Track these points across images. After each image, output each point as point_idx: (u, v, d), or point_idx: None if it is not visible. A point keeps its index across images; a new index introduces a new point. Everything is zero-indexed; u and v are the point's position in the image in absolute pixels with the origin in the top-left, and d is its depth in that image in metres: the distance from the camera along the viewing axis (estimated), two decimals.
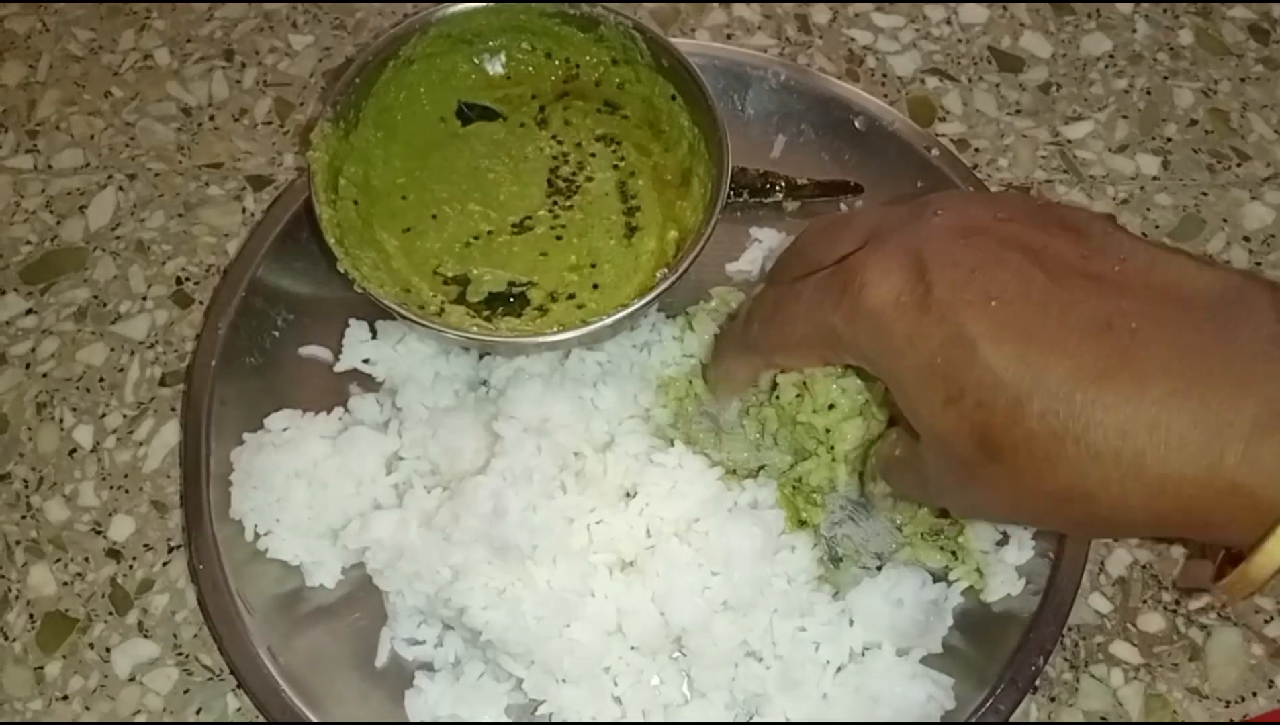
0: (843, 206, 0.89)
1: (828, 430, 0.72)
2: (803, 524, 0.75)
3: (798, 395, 0.71)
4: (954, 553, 0.76)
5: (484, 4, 0.83)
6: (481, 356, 0.82)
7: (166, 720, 0.75)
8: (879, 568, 0.75)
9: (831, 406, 0.71)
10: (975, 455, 0.54)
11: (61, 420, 0.85)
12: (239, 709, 0.75)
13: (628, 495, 0.73)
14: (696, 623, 0.69)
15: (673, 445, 0.75)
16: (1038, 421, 0.51)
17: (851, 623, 0.72)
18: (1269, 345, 0.49)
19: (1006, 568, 0.75)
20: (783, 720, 0.70)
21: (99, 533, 0.81)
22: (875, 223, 0.61)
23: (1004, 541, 0.76)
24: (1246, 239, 0.93)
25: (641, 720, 0.71)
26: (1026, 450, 0.52)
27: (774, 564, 0.71)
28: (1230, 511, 0.49)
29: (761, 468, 0.78)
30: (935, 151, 0.89)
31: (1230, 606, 0.77)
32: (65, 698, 0.76)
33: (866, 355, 0.59)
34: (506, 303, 0.79)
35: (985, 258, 0.54)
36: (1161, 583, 0.80)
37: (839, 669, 0.71)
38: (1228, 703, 0.76)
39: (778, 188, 0.88)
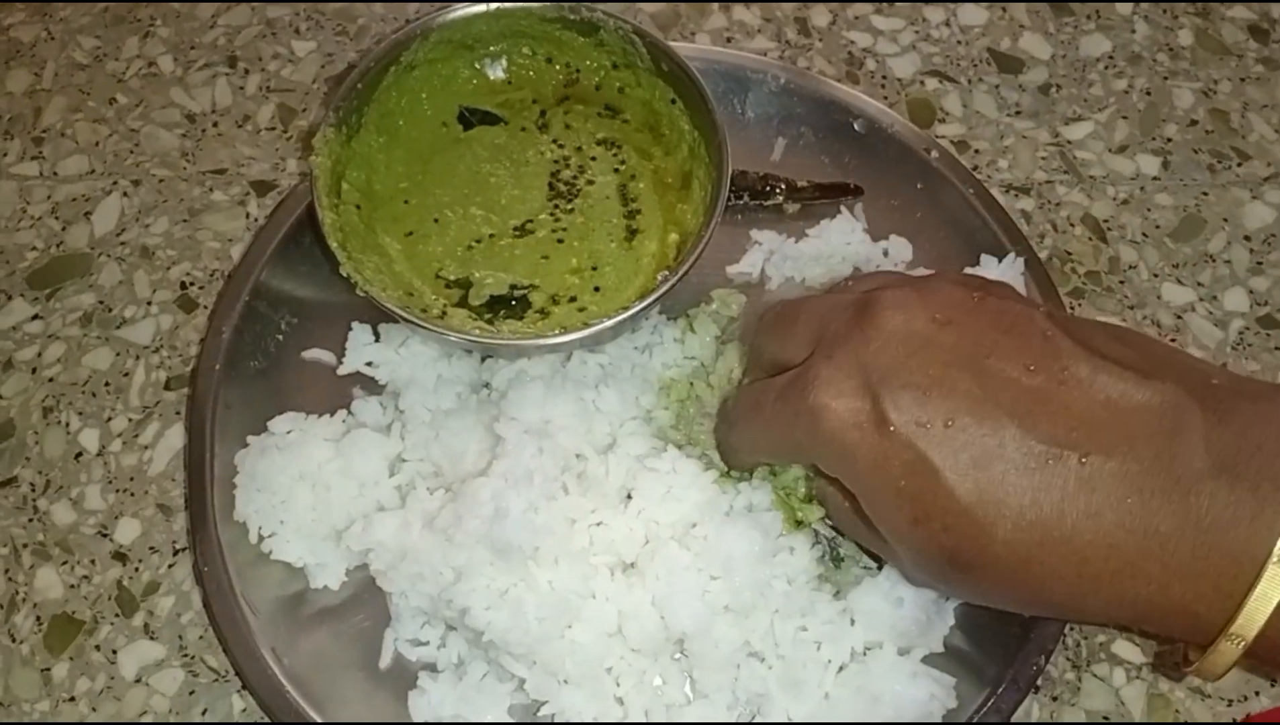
0: (843, 209, 0.89)
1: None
2: (799, 524, 0.76)
3: None
4: None
5: (485, 9, 0.84)
6: (483, 359, 0.82)
7: (172, 721, 0.76)
8: (880, 567, 0.75)
9: None
10: (946, 568, 0.59)
11: (67, 424, 0.85)
12: (244, 710, 0.76)
13: (628, 498, 0.74)
14: (697, 626, 0.69)
15: (666, 449, 0.75)
16: (1002, 547, 0.56)
17: (853, 622, 0.72)
18: (1201, 472, 0.53)
19: None
20: (785, 720, 0.70)
21: (105, 535, 0.82)
22: (819, 323, 0.64)
23: None
24: (1247, 238, 0.93)
25: (644, 721, 0.71)
26: (994, 569, 0.57)
27: (773, 566, 0.71)
28: (1181, 624, 0.55)
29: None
30: (935, 153, 0.90)
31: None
32: (72, 699, 0.76)
33: (833, 470, 0.62)
34: (508, 306, 0.79)
35: (934, 378, 0.57)
36: None
37: (841, 668, 0.72)
38: (1230, 702, 0.76)
39: (778, 190, 0.89)
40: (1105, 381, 0.56)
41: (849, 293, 0.66)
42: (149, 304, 0.90)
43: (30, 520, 0.82)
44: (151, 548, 0.81)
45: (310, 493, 0.76)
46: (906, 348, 0.59)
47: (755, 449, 0.69)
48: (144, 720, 0.76)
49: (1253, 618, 0.52)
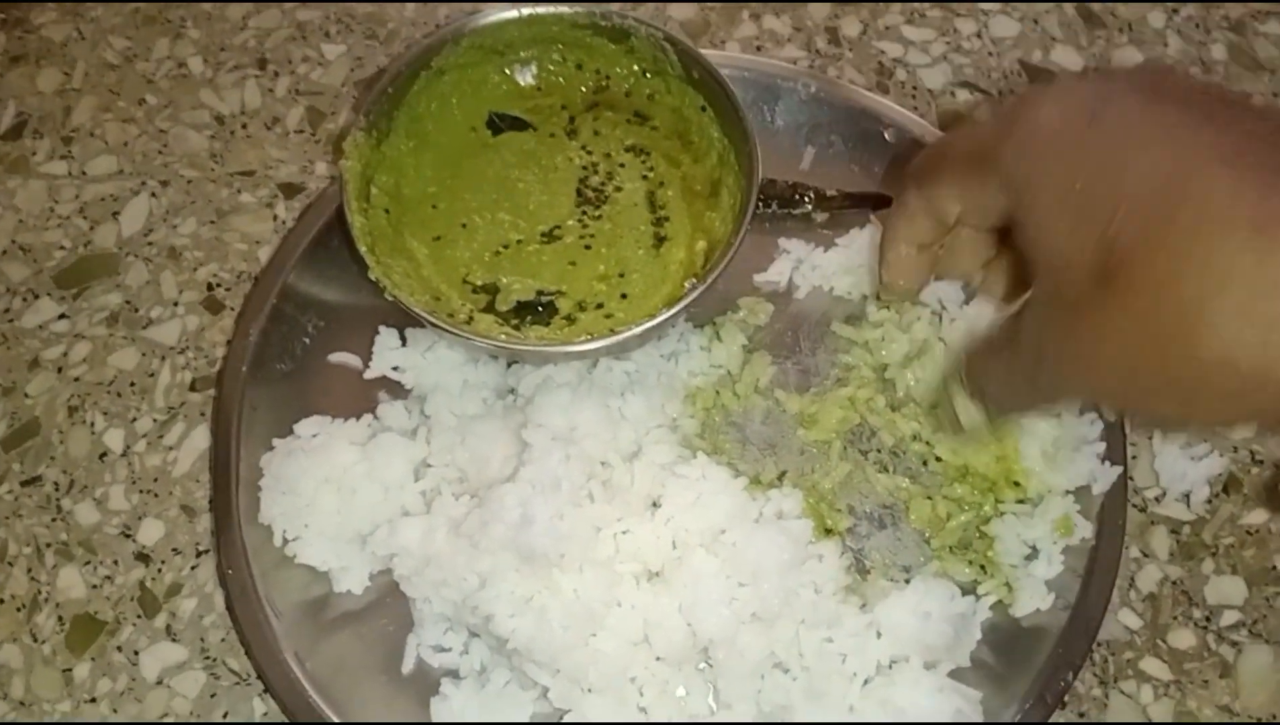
0: (872, 218, 0.89)
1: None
2: (828, 532, 0.75)
3: None
4: (982, 566, 0.75)
5: (516, 15, 0.83)
6: (510, 365, 0.82)
7: (193, 723, 0.75)
8: (907, 580, 0.75)
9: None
10: (1088, 287, 0.51)
11: (92, 424, 0.86)
12: (265, 713, 0.76)
13: (654, 505, 0.73)
14: (723, 634, 0.69)
15: (696, 456, 0.75)
16: (1167, 247, 0.48)
17: (879, 635, 0.72)
18: None
19: (1035, 582, 0.74)
20: None
21: (128, 536, 0.82)
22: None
23: (1033, 555, 0.75)
24: None
25: None
26: (1149, 277, 0.48)
27: (801, 574, 0.71)
28: None
29: (784, 473, 0.78)
30: None
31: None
32: (93, 700, 0.76)
33: (1013, 178, 0.56)
34: (535, 311, 0.79)
35: (1162, 95, 0.52)
36: (1192, 599, 0.79)
37: (866, 681, 0.71)
38: (1258, 721, 0.75)
39: (807, 199, 0.88)
40: None
41: None
42: (175, 305, 0.90)
43: (54, 520, 0.82)
44: (175, 549, 0.81)
45: (335, 496, 0.76)
46: (1151, 91, 0.53)
47: (933, 167, 0.64)
48: (165, 722, 0.76)
49: None
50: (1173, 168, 0.48)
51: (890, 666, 0.72)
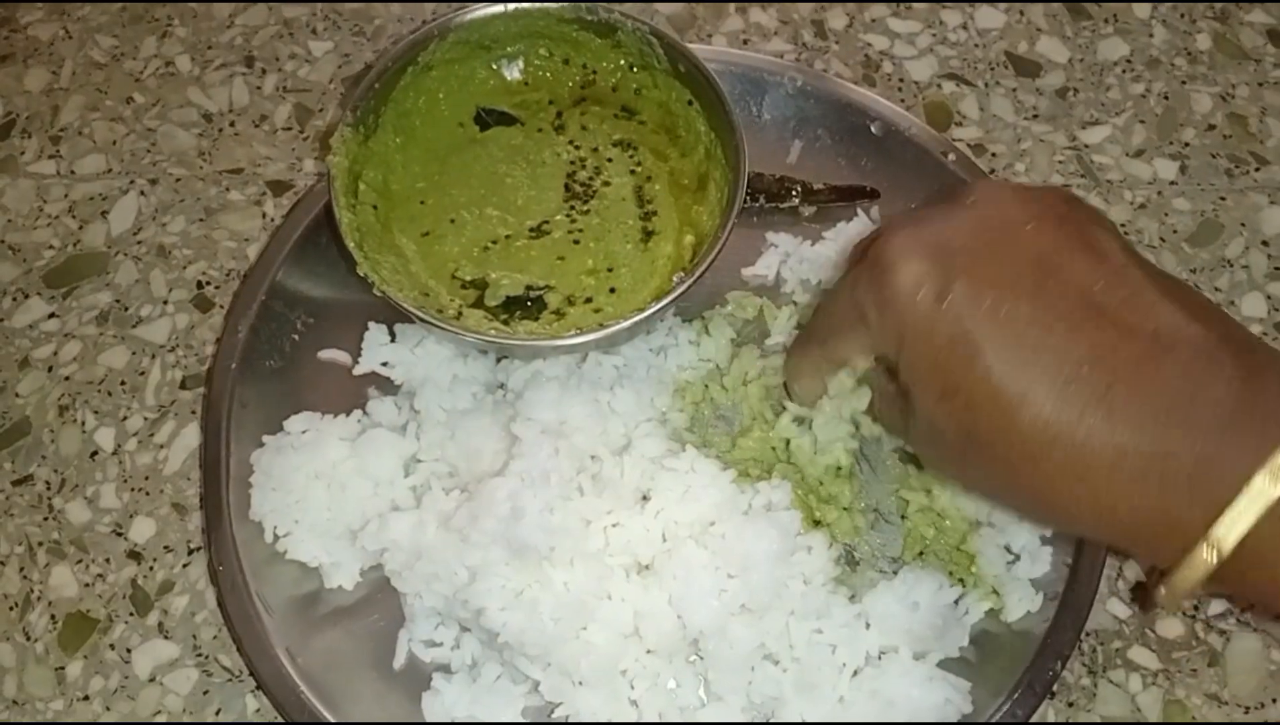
0: (859, 211, 0.89)
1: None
2: (818, 524, 0.75)
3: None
4: (961, 580, 0.75)
5: (502, 10, 0.84)
6: (499, 359, 0.82)
7: (186, 721, 0.76)
8: (895, 571, 0.75)
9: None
10: (961, 442, 0.60)
11: (83, 423, 0.86)
12: (258, 710, 0.76)
13: (644, 498, 0.73)
14: (713, 625, 0.69)
15: (685, 449, 0.75)
16: (1017, 435, 0.57)
17: (868, 625, 0.72)
18: (1219, 415, 0.54)
19: (1022, 584, 0.74)
20: (799, 722, 0.70)
21: (120, 534, 0.82)
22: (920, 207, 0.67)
23: (1015, 560, 0.75)
24: (1265, 243, 0.93)
25: (658, 723, 0.71)
26: (1004, 455, 0.59)
27: (791, 565, 0.71)
28: (1167, 539, 0.56)
29: (775, 465, 0.78)
30: (952, 156, 0.89)
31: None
32: (86, 698, 0.76)
33: (885, 336, 0.63)
34: (524, 306, 0.79)
35: (1006, 271, 0.59)
36: None
37: (855, 672, 0.71)
38: (1247, 709, 0.76)
39: (794, 193, 0.89)
40: (1160, 313, 0.57)
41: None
42: (165, 303, 0.90)
43: (45, 519, 0.82)
44: (166, 547, 0.81)
45: (325, 492, 0.76)
46: (987, 236, 0.61)
47: (828, 327, 0.70)
48: (158, 720, 0.76)
49: (1233, 526, 0.53)
50: (1017, 362, 0.57)
51: (880, 657, 0.72)
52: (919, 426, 0.64)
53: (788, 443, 0.77)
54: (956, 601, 0.74)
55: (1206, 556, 0.55)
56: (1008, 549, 0.76)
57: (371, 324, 0.83)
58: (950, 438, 0.61)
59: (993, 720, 0.70)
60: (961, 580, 0.75)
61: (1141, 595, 0.79)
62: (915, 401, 0.62)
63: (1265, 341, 0.73)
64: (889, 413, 0.70)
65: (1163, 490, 0.55)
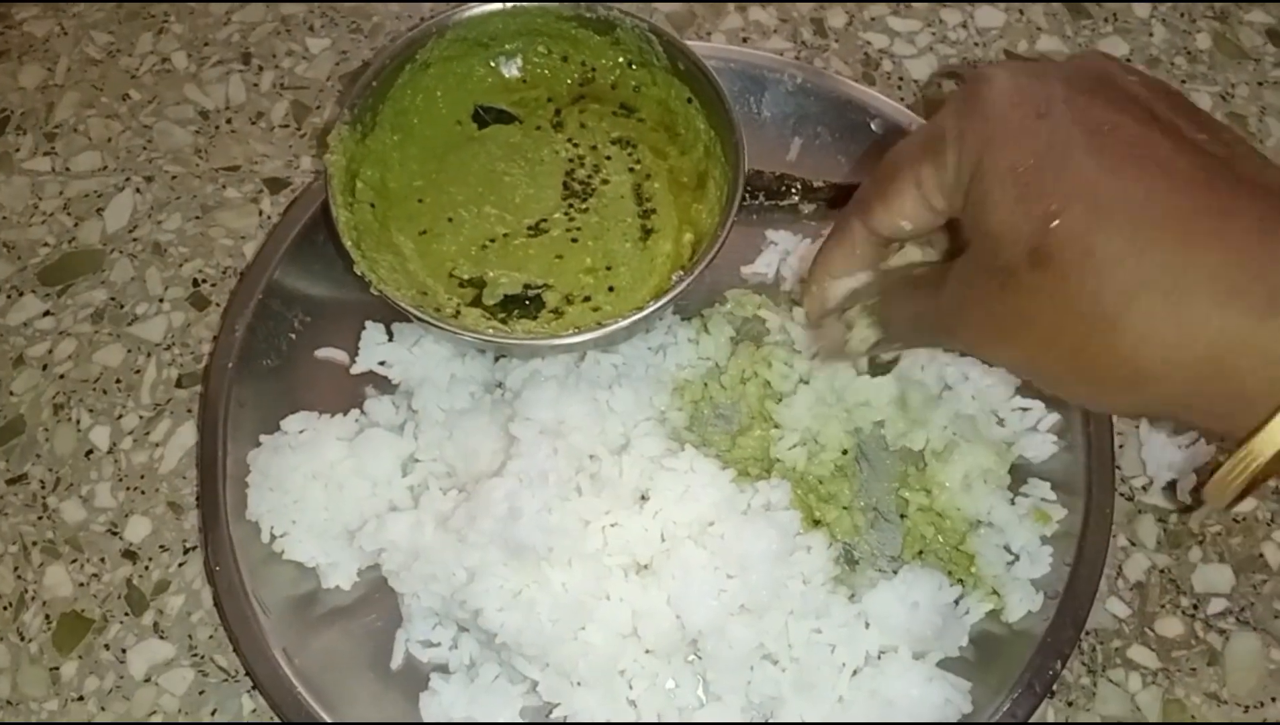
0: None
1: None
2: (817, 523, 0.75)
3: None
4: (961, 580, 0.75)
5: (501, 7, 0.83)
6: (497, 359, 0.82)
7: (181, 721, 0.75)
8: (895, 571, 0.75)
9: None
10: (1023, 261, 0.53)
11: (78, 421, 0.85)
12: (254, 710, 0.75)
13: (642, 498, 0.73)
14: (712, 625, 0.69)
15: (683, 449, 0.75)
16: (1104, 238, 0.51)
17: (867, 625, 0.72)
18: None
19: (1022, 584, 0.74)
20: (799, 722, 0.70)
21: (115, 533, 0.81)
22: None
23: (1015, 561, 0.75)
24: None
25: (657, 723, 0.70)
26: (1079, 262, 0.52)
27: (790, 565, 0.71)
28: (1250, 384, 0.50)
29: (776, 463, 0.78)
30: None
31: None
32: (81, 698, 0.76)
33: (967, 146, 0.57)
34: (522, 305, 0.79)
35: (1111, 98, 0.55)
36: (1180, 587, 0.79)
37: (855, 672, 0.71)
38: (1246, 708, 0.76)
39: (794, 190, 0.88)
40: (1264, 171, 0.53)
41: None
42: (161, 301, 0.90)
43: (40, 518, 0.82)
44: (162, 546, 0.81)
45: (323, 492, 0.76)
46: (1098, 80, 0.56)
47: (879, 181, 0.65)
48: (153, 720, 0.75)
49: None
50: (1114, 169, 0.52)
51: (879, 657, 0.72)
52: (972, 256, 0.58)
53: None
54: (956, 601, 0.74)
55: (1261, 444, 0.50)
56: (1007, 549, 0.75)
57: (369, 323, 0.83)
58: (1015, 253, 0.54)
59: (993, 720, 0.70)
60: (961, 580, 0.75)
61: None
62: (984, 215, 0.56)
63: None
64: (910, 302, 0.65)
65: (1267, 313, 0.49)
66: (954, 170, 0.58)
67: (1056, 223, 0.52)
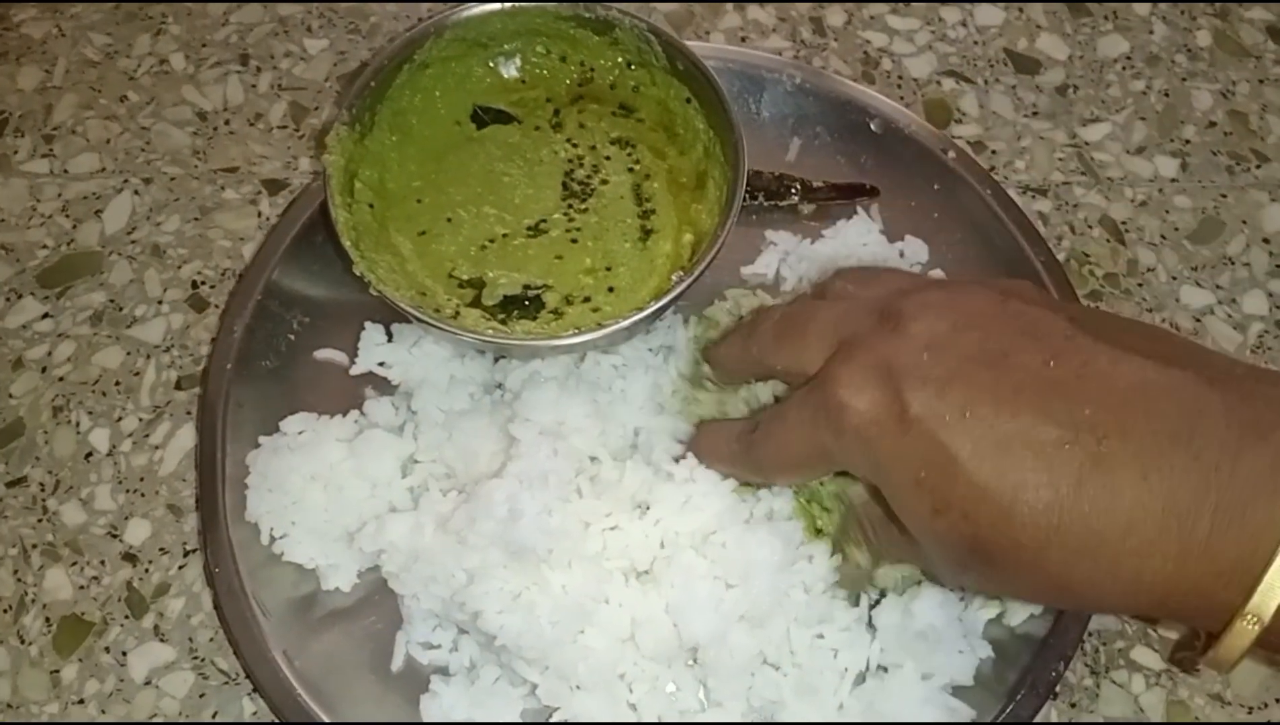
0: (859, 209, 0.89)
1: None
2: (819, 533, 0.75)
3: None
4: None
5: (499, 7, 0.83)
6: (497, 360, 0.81)
7: (182, 723, 0.75)
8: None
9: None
10: (968, 557, 0.58)
11: (78, 424, 0.85)
12: (254, 713, 0.75)
13: (643, 506, 0.73)
14: (712, 635, 0.69)
15: (684, 457, 0.75)
16: (1021, 531, 0.55)
17: (871, 626, 0.72)
18: (1221, 448, 0.52)
19: None
20: (800, 722, 0.69)
21: (115, 536, 0.81)
22: (834, 330, 0.64)
23: None
24: (1266, 241, 0.93)
25: (657, 723, 0.70)
26: (1014, 555, 0.56)
27: (792, 575, 0.70)
28: (1198, 607, 0.54)
29: None
30: (951, 154, 0.89)
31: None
32: (81, 701, 0.76)
33: (858, 468, 0.62)
34: (522, 306, 0.78)
35: (953, 372, 0.57)
36: None
37: (858, 677, 0.71)
38: (1250, 709, 0.75)
39: (793, 191, 0.88)
40: (1126, 370, 0.55)
41: (855, 297, 0.67)
42: (160, 303, 0.90)
43: (40, 520, 0.82)
44: (162, 549, 0.81)
45: (322, 493, 0.75)
46: (928, 347, 0.59)
47: (782, 463, 0.68)
48: (154, 723, 0.75)
49: (1269, 596, 0.51)
50: (988, 472, 0.55)
51: (884, 672, 0.71)
52: (923, 549, 0.62)
53: None
54: (960, 618, 0.73)
55: (1246, 626, 0.52)
56: None
57: (368, 324, 0.83)
58: (956, 551, 0.58)
59: (996, 721, 0.70)
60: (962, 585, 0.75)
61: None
62: (912, 526, 0.60)
63: (1238, 360, 0.70)
64: (888, 538, 0.68)
65: (1184, 557, 0.52)
66: (852, 472, 0.64)
67: (975, 526, 0.56)
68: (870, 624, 0.72)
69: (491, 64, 0.87)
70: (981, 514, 0.56)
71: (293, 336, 0.84)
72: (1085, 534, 0.54)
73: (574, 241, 0.81)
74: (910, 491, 0.58)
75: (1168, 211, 0.94)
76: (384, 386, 0.82)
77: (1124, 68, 1.02)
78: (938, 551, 0.60)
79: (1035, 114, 0.99)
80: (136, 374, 0.87)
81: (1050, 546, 0.54)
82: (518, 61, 0.87)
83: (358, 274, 0.74)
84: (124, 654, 0.77)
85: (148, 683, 0.76)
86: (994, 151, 0.97)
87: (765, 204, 0.89)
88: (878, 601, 0.73)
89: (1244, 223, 0.94)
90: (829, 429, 0.61)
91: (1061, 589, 0.57)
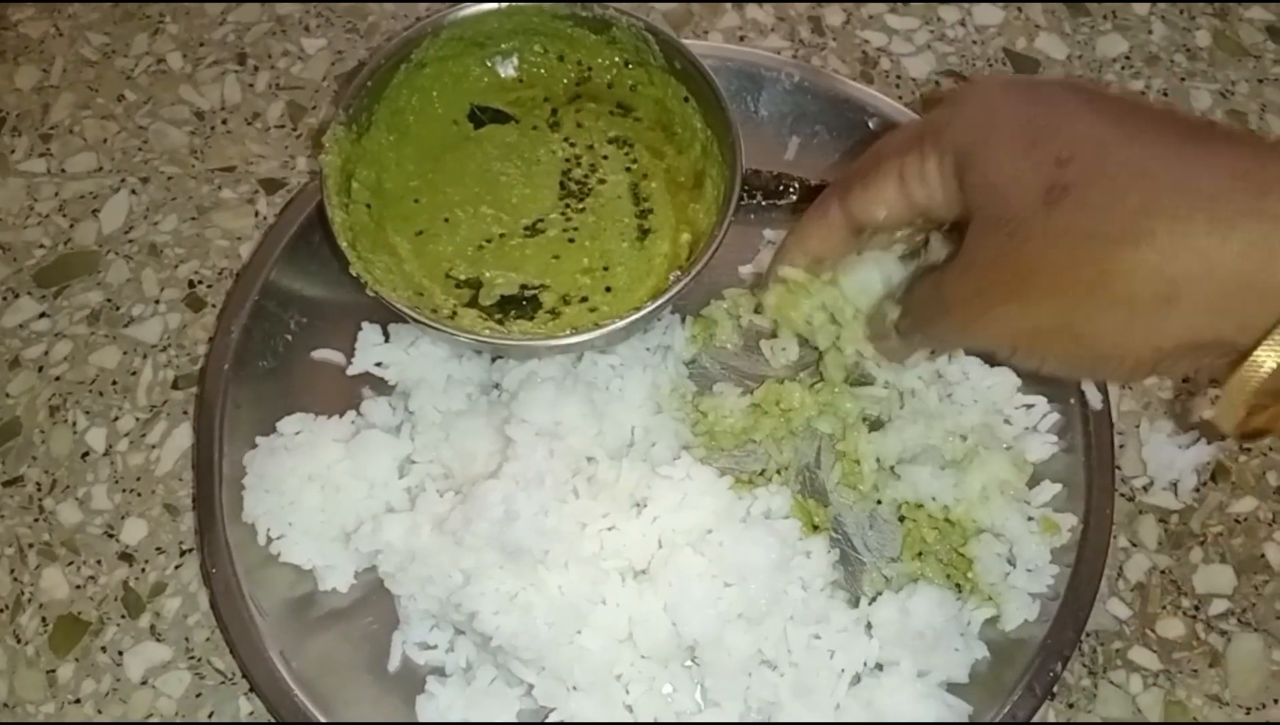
0: None
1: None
2: (816, 529, 0.75)
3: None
4: (959, 585, 0.75)
5: (496, 7, 0.83)
6: (494, 360, 0.81)
7: (178, 723, 0.75)
8: (894, 578, 0.75)
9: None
10: (1036, 203, 0.54)
11: (74, 423, 0.85)
12: (251, 713, 0.75)
13: (640, 505, 0.73)
14: (708, 635, 0.69)
15: (680, 456, 0.74)
16: (1120, 162, 0.53)
17: (869, 626, 0.72)
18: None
19: (1019, 593, 0.73)
20: (797, 722, 0.69)
21: (111, 536, 0.81)
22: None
23: (1012, 570, 0.74)
24: None
25: (653, 723, 0.70)
26: (1099, 186, 0.53)
27: (789, 572, 0.70)
28: (1243, 314, 0.51)
29: (779, 471, 0.77)
30: None
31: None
32: (77, 701, 0.76)
33: (962, 128, 0.59)
34: (519, 306, 0.78)
35: (1094, 99, 0.57)
36: (1181, 588, 0.79)
37: (855, 678, 0.71)
38: (1248, 709, 0.75)
39: (791, 190, 0.88)
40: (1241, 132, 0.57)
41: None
42: (157, 302, 0.90)
43: (36, 520, 0.82)
44: (158, 548, 0.81)
45: (319, 494, 0.75)
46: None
47: (861, 168, 0.66)
48: (150, 722, 0.75)
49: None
50: (1114, 122, 0.55)
51: (881, 670, 0.71)
52: (974, 231, 0.59)
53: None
54: (957, 616, 0.73)
55: (1256, 365, 0.51)
56: (1008, 560, 0.75)
57: (365, 324, 0.83)
58: (1028, 198, 0.55)
59: (994, 721, 0.70)
60: (959, 585, 0.74)
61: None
62: (994, 169, 0.57)
63: None
64: (928, 282, 0.65)
65: (1271, 262, 0.50)
66: (932, 174, 0.60)
67: (1070, 160, 0.54)
68: (868, 624, 0.72)
69: (489, 63, 0.86)
70: (1084, 147, 0.54)
71: (290, 336, 0.84)
72: (1188, 169, 0.52)
73: (571, 241, 0.81)
74: (1012, 133, 0.57)
75: None
76: (381, 387, 0.82)
77: (1123, 67, 1.01)
78: (999, 207, 0.57)
79: None
80: (133, 373, 0.87)
81: (1146, 177, 0.53)
82: (515, 61, 0.87)
83: (355, 274, 0.74)
84: (120, 653, 0.77)
85: (144, 682, 0.76)
86: None
87: (763, 203, 0.88)
88: (874, 599, 0.73)
89: None
90: (951, 102, 0.61)
91: (1139, 245, 0.52)
